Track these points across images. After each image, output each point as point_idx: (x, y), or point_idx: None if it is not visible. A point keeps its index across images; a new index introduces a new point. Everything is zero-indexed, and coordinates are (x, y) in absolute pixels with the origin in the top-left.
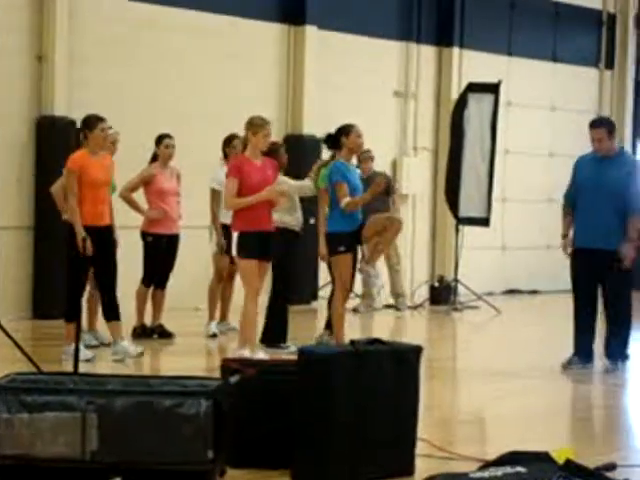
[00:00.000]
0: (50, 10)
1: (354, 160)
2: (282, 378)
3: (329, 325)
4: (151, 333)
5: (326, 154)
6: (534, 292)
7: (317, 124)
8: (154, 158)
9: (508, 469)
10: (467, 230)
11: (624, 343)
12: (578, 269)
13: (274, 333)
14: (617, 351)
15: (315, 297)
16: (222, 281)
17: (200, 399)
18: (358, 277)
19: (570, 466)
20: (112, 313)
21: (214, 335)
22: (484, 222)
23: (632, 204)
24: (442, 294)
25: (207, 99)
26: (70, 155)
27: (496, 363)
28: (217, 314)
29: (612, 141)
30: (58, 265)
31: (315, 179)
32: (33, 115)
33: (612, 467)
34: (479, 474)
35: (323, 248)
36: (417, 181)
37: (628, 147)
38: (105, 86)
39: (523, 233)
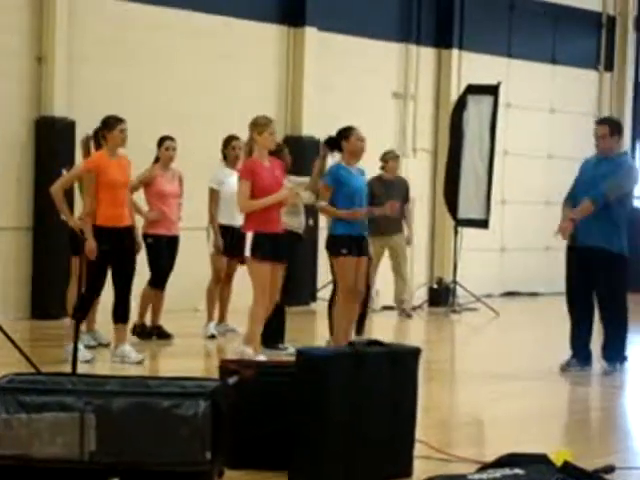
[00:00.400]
0: (50, 11)
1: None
2: (280, 379)
3: (359, 330)
4: (150, 334)
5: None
6: (533, 294)
7: (316, 125)
8: (157, 160)
9: (506, 471)
10: (466, 232)
11: (622, 345)
12: (571, 266)
13: (272, 334)
14: (615, 353)
15: (314, 299)
16: (220, 282)
17: (198, 400)
18: None
19: (568, 468)
20: (122, 315)
21: (213, 336)
22: (483, 224)
23: (596, 189)
24: (441, 296)
25: (207, 100)
26: (87, 157)
27: (494, 365)
28: (216, 315)
29: (614, 141)
30: (57, 265)
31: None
32: (33, 116)
33: (610, 469)
34: (477, 476)
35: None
36: (416, 182)
37: (627, 149)
38: (105, 87)
39: (522, 235)
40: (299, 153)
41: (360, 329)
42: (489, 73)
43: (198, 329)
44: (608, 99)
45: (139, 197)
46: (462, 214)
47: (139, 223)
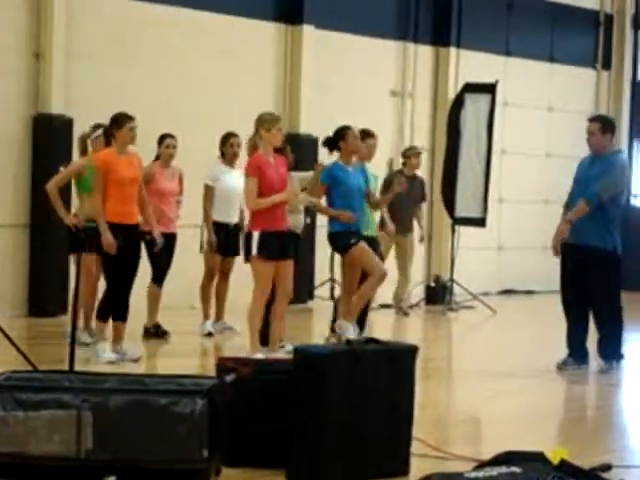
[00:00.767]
0: (47, 8)
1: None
2: (278, 377)
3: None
4: (157, 333)
5: (324, 156)
6: (530, 292)
7: (314, 123)
8: (157, 158)
9: (503, 469)
10: (463, 230)
11: (618, 343)
12: (566, 265)
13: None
14: (611, 351)
15: (311, 297)
16: (213, 279)
17: (195, 398)
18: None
19: (565, 466)
20: (121, 313)
21: (210, 334)
22: (480, 222)
23: (589, 189)
24: (438, 294)
25: (205, 98)
26: (95, 154)
27: (491, 363)
28: (212, 313)
29: (605, 139)
30: (54, 263)
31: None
32: (30, 113)
33: (607, 468)
34: (474, 474)
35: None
36: None
37: (624, 147)
38: (102, 84)
39: (519, 233)
40: (296, 151)
41: (361, 326)
42: (487, 71)
43: (195, 327)
44: (606, 97)
45: None
46: (459, 212)
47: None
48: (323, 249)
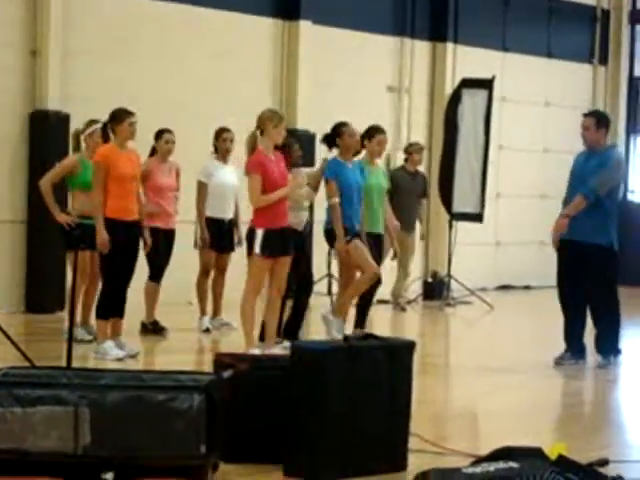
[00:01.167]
0: (44, 4)
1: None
2: (275, 373)
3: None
4: (154, 330)
5: (322, 152)
6: (527, 288)
7: (311, 119)
8: (152, 153)
9: (501, 464)
10: (460, 226)
11: (615, 338)
12: (563, 260)
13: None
14: (609, 346)
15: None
16: (208, 275)
17: (193, 394)
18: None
19: (562, 462)
20: (119, 309)
21: (207, 330)
22: (477, 218)
23: (585, 184)
24: (435, 289)
25: (201, 94)
26: (96, 150)
27: (489, 358)
28: (209, 309)
29: (600, 134)
30: (51, 259)
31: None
32: (26, 109)
33: (605, 463)
34: (472, 469)
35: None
36: None
37: (621, 143)
38: (99, 80)
39: (516, 229)
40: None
41: (362, 323)
42: (484, 67)
43: (192, 323)
44: (602, 93)
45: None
46: (457, 208)
47: None
48: (321, 245)
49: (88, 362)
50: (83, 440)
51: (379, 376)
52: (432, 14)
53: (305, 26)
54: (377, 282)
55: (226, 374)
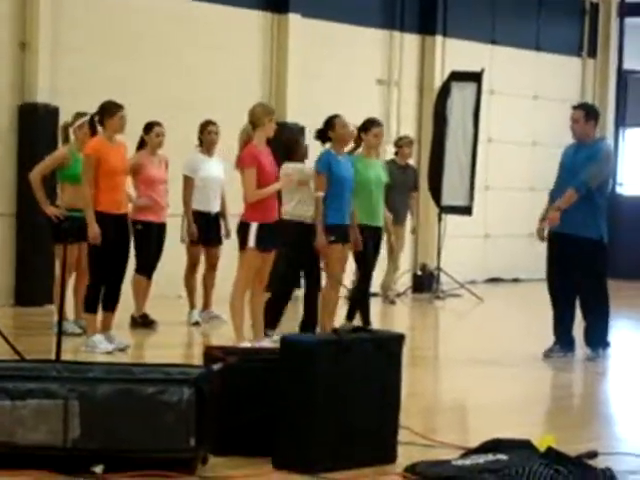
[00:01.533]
0: None
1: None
2: (264, 366)
3: (350, 315)
4: (145, 323)
5: (314, 145)
6: (516, 280)
7: (300, 112)
8: (140, 145)
9: (490, 456)
10: (450, 219)
11: (604, 331)
12: (552, 253)
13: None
14: (598, 339)
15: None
16: (196, 269)
17: (183, 386)
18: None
19: (551, 454)
20: (112, 303)
21: (197, 323)
22: (467, 211)
23: (576, 177)
24: (425, 282)
25: (190, 87)
26: (86, 142)
27: (478, 351)
28: (198, 302)
29: (589, 126)
30: (41, 252)
31: None
32: (16, 102)
33: (593, 455)
34: (461, 461)
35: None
36: None
37: (610, 136)
38: (88, 73)
39: (506, 222)
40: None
41: (357, 316)
42: (473, 60)
43: (182, 316)
44: (591, 86)
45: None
46: (446, 201)
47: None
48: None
49: (78, 355)
50: (72, 433)
51: (369, 369)
52: (421, 7)
53: (294, 19)
54: (368, 278)
55: (216, 367)
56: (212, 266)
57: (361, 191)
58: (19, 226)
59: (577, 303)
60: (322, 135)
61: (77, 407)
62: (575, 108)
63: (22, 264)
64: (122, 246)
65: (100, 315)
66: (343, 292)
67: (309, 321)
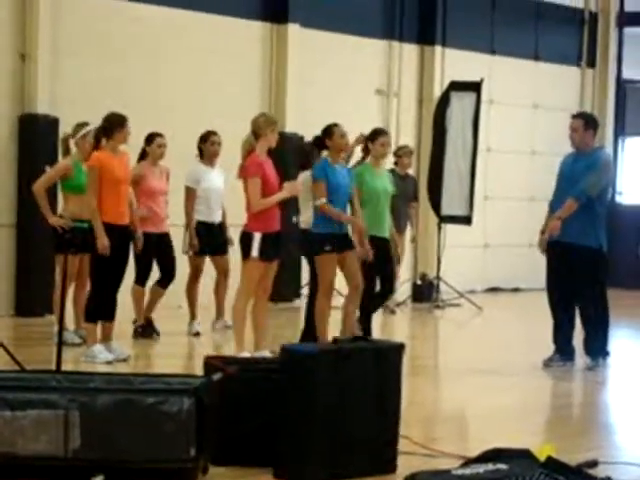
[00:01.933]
0: (33, 7)
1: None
2: (264, 375)
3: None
4: (146, 332)
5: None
6: (516, 290)
7: (300, 122)
8: (142, 156)
9: (490, 466)
10: (449, 228)
11: (604, 340)
12: (551, 262)
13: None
14: (597, 348)
15: (298, 295)
16: (198, 280)
17: (183, 397)
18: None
19: (551, 463)
20: (110, 313)
21: (197, 334)
22: (466, 220)
23: (576, 186)
24: (424, 292)
25: (191, 97)
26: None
27: (478, 361)
28: (206, 312)
29: (588, 135)
30: (41, 262)
31: None
32: (16, 112)
33: (593, 464)
34: (461, 471)
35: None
36: None
37: (609, 145)
38: (88, 83)
39: (505, 231)
40: (283, 150)
41: (367, 323)
42: (472, 70)
43: (182, 326)
44: (590, 95)
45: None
46: (445, 211)
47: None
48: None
49: (78, 366)
50: (73, 443)
51: (368, 378)
52: (420, 17)
53: (294, 29)
54: (372, 288)
55: (216, 377)
56: (223, 274)
57: (368, 201)
58: (19, 236)
59: (577, 312)
60: (319, 143)
61: (77, 417)
62: (574, 117)
63: (22, 274)
64: (122, 257)
65: (99, 325)
66: (340, 301)
67: (309, 331)
